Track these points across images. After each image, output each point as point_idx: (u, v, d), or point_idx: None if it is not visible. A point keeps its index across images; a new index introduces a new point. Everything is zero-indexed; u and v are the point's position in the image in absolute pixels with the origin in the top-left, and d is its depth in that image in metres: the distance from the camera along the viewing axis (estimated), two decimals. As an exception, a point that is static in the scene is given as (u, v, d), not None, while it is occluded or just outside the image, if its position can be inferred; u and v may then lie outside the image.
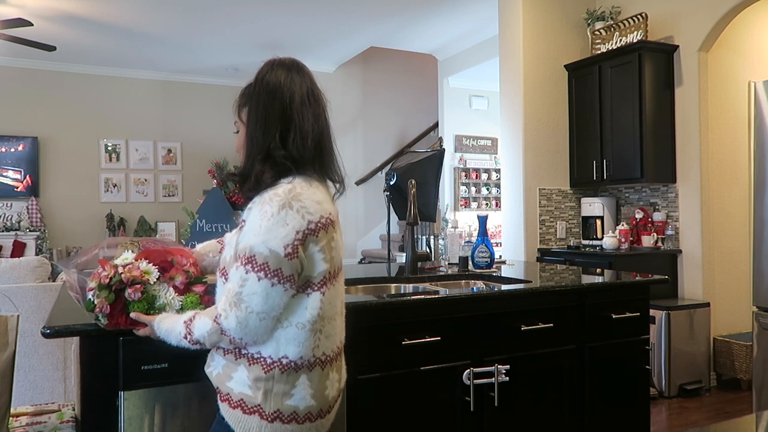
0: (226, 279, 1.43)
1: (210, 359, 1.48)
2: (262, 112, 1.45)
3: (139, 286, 1.48)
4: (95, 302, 1.48)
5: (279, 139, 1.43)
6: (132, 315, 1.48)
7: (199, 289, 1.54)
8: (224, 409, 1.40)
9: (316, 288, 1.41)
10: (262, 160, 1.44)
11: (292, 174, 1.42)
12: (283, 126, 1.44)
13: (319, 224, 1.39)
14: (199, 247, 1.75)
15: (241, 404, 1.37)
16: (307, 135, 1.45)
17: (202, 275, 1.60)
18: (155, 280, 1.51)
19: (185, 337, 1.39)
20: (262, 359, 1.37)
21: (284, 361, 1.37)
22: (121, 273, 1.48)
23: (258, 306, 1.32)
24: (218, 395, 1.43)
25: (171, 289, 1.52)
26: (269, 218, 1.34)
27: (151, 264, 1.52)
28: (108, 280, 1.48)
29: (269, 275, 1.32)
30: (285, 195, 1.37)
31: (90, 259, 1.62)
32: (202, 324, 1.37)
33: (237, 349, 1.40)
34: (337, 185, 1.53)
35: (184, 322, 1.40)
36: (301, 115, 1.45)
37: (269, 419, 1.36)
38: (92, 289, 1.49)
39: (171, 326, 1.43)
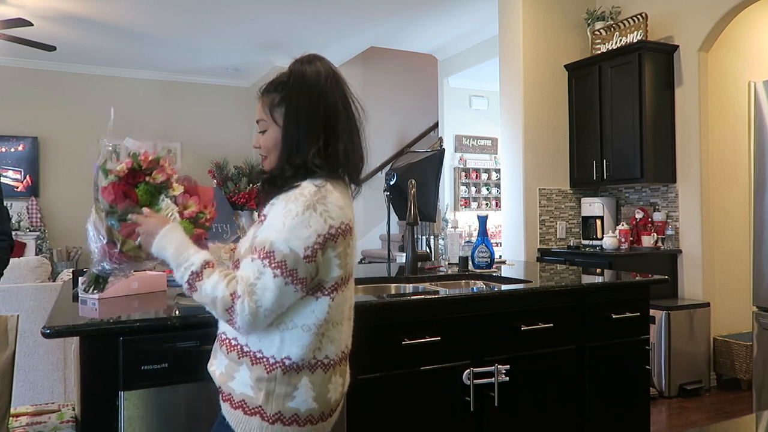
0: None
1: (213, 357, 1.47)
2: (306, 117, 1.40)
3: (156, 179, 1.48)
4: (118, 167, 1.48)
5: (323, 145, 1.39)
6: (145, 210, 1.44)
7: (197, 231, 1.52)
8: (226, 409, 1.40)
9: (326, 292, 1.39)
10: (298, 166, 1.40)
11: (320, 177, 1.39)
12: (326, 134, 1.40)
13: (339, 230, 1.36)
14: (211, 245, 1.69)
15: (242, 405, 1.37)
16: (352, 148, 1.43)
17: (209, 227, 1.56)
18: (172, 195, 1.50)
19: (191, 274, 1.32)
20: (264, 359, 1.36)
21: (287, 362, 1.36)
22: (164, 164, 1.50)
23: (267, 302, 1.30)
24: (220, 395, 1.42)
25: (176, 210, 1.50)
26: (293, 217, 1.32)
27: (183, 188, 1.52)
28: (146, 157, 1.49)
29: (284, 274, 1.30)
30: (311, 196, 1.34)
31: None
32: (217, 286, 1.31)
33: (239, 347, 1.39)
34: (354, 187, 1.50)
35: (204, 261, 1.34)
36: (347, 125, 1.43)
37: (270, 421, 1.35)
38: (131, 151, 1.49)
39: (183, 247, 1.37)
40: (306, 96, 1.40)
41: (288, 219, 1.32)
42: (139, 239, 1.43)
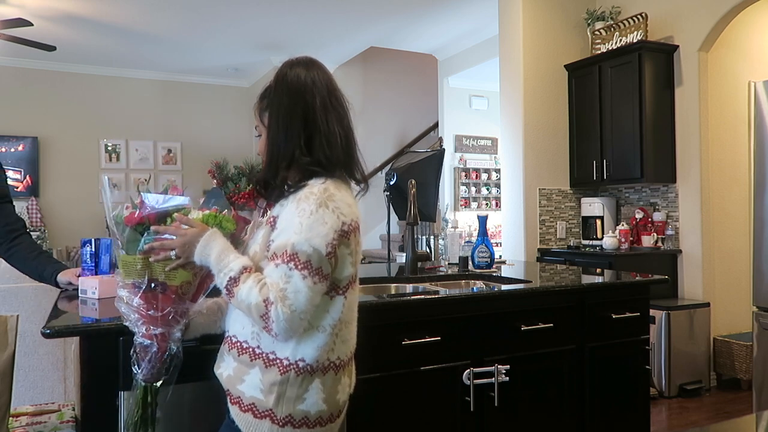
0: None
1: (220, 360, 1.46)
2: (284, 117, 1.42)
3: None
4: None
5: (304, 144, 1.40)
6: (176, 216, 1.39)
7: (238, 217, 1.49)
8: (234, 411, 1.39)
9: (341, 292, 1.40)
10: (286, 167, 1.42)
11: (320, 176, 1.40)
12: (308, 131, 1.41)
13: (350, 227, 1.38)
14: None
15: (252, 408, 1.36)
16: (335, 139, 1.42)
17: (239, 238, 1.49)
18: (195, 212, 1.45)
19: (229, 280, 1.31)
20: (278, 361, 1.35)
21: (300, 364, 1.35)
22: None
23: (302, 305, 1.29)
24: (228, 397, 1.41)
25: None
26: (309, 216, 1.32)
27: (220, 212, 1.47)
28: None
29: (312, 273, 1.30)
30: (320, 194, 1.35)
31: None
32: (251, 292, 1.29)
33: (251, 350, 1.37)
34: (361, 184, 1.50)
35: (243, 266, 1.32)
36: (325, 118, 1.42)
37: (280, 424, 1.34)
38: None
39: (225, 252, 1.35)
40: (285, 97, 1.43)
41: (304, 218, 1.32)
42: (173, 252, 1.37)
